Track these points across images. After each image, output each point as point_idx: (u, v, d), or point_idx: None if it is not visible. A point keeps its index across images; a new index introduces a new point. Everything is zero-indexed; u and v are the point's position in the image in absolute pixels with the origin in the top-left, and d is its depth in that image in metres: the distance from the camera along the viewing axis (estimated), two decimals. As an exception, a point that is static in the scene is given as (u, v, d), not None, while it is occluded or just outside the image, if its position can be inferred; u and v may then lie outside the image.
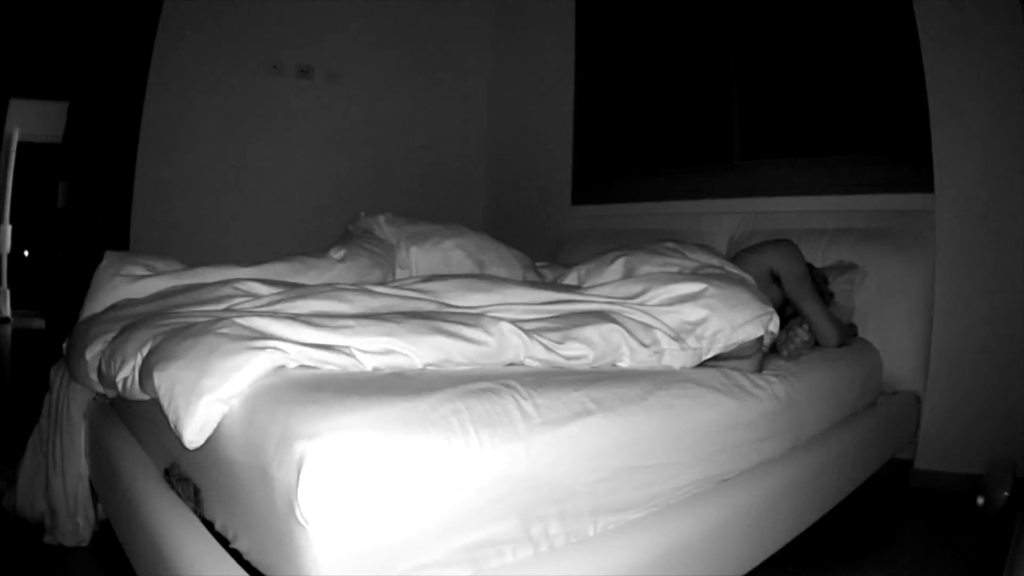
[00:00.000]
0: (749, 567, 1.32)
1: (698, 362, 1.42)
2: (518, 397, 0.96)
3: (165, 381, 0.93)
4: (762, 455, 1.40)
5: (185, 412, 0.87)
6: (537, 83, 3.78)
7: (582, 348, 1.23)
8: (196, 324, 1.04)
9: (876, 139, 2.59)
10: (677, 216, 2.96)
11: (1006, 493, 1.87)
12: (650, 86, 3.40)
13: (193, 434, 0.88)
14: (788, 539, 1.46)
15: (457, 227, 2.44)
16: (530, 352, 1.17)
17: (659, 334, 1.36)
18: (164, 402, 0.92)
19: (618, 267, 1.72)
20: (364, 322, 1.07)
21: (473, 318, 1.19)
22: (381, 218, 2.40)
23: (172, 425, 0.90)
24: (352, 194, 3.39)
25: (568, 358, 1.21)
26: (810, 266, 2.04)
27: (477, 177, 4.01)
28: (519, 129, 3.87)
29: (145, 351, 1.07)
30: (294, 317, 1.07)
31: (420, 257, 2.23)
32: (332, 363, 0.96)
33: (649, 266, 1.69)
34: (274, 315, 1.08)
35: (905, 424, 2.17)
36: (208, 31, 3.03)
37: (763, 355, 1.56)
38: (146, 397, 1.05)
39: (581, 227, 3.39)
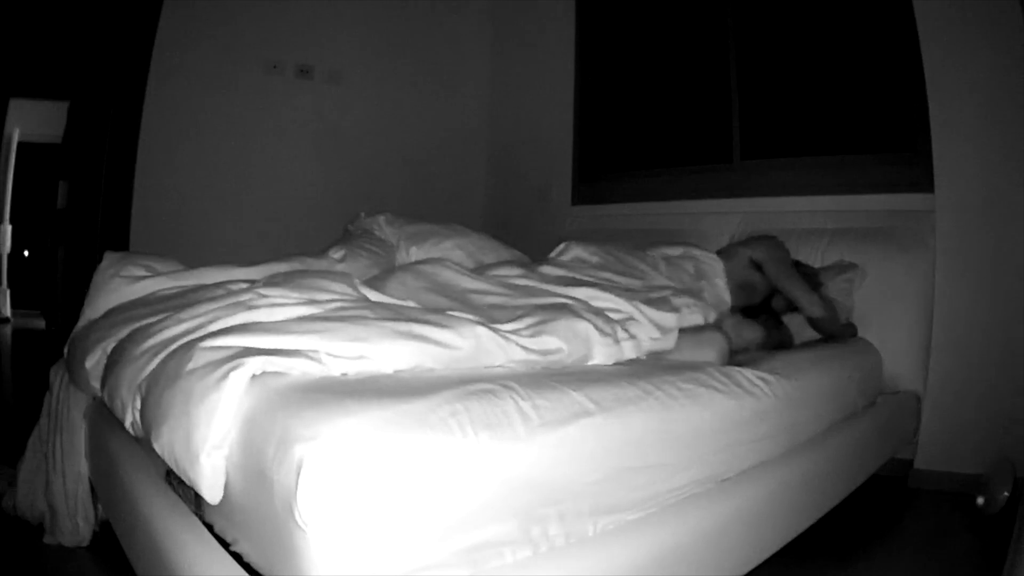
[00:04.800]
0: (748, 567, 1.32)
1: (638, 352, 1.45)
2: (517, 399, 0.96)
3: (164, 450, 0.94)
4: (761, 455, 1.40)
5: (194, 475, 0.88)
6: (537, 83, 3.77)
7: (556, 342, 1.23)
8: (169, 360, 1.03)
9: (876, 139, 2.59)
10: (677, 216, 2.96)
11: (1006, 493, 1.87)
12: (650, 86, 3.40)
13: (209, 491, 0.88)
14: (787, 539, 1.46)
15: (457, 227, 2.45)
16: (508, 355, 1.16)
17: (617, 327, 1.40)
18: (174, 468, 0.94)
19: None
20: (333, 325, 1.06)
21: (447, 319, 1.18)
22: (381, 218, 2.41)
23: (191, 487, 0.92)
24: (352, 194, 3.39)
25: (544, 352, 1.21)
26: (797, 263, 2.07)
27: (477, 177, 4.01)
28: (519, 129, 3.87)
29: (138, 404, 1.07)
30: (261, 326, 1.06)
31: (420, 257, 2.23)
32: (298, 368, 0.94)
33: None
34: (243, 326, 1.07)
35: (905, 424, 2.17)
36: (208, 31, 3.03)
37: (729, 346, 1.60)
38: None
39: (581, 227, 3.39)
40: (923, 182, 2.28)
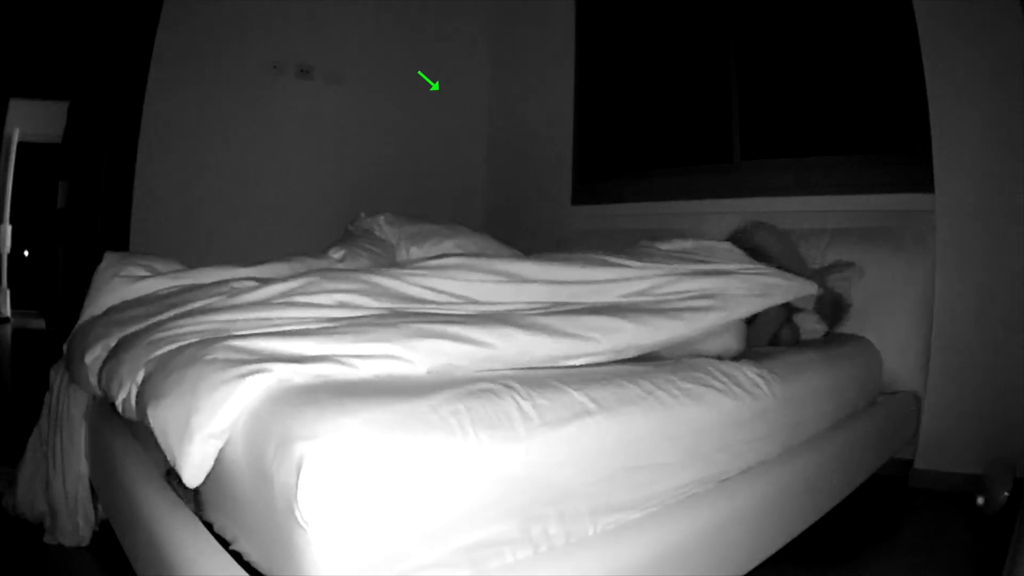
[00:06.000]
0: (749, 567, 1.32)
1: None
2: (518, 398, 0.96)
3: (158, 421, 0.92)
4: (760, 455, 1.40)
5: (180, 453, 0.87)
6: (537, 83, 3.77)
7: (598, 337, 1.24)
8: (186, 348, 1.03)
9: (876, 139, 2.59)
10: (677, 216, 2.96)
11: (1006, 493, 1.87)
12: (650, 86, 3.40)
13: (191, 475, 0.87)
14: (788, 539, 1.46)
15: (457, 227, 2.45)
16: (548, 352, 1.16)
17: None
18: (160, 443, 0.92)
19: None
20: (361, 328, 1.06)
21: (482, 319, 1.18)
22: (381, 218, 2.40)
23: (172, 464, 0.90)
24: (352, 194, 3.39)
25: (584, 349, 1.22)
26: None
27: (477, 177, 4.01)
28: (519, 129, 3.87)
29: (139, 378, 1.06)
30: (289, 333, 1.05)
31: (420, 257, 2.23)
32: (326, 375, 0.94)
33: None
34: (269, 332, 1.06)
35: (905, 424, 2.17)
36: (208, 31, 3.03)
37: (744, 332, 1.61)
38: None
39: (581, 227, 3.39)
40: (923, 182, 2.28)
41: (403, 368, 1.00)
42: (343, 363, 0.95)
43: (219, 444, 0.87)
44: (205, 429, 0.85)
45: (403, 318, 1.18)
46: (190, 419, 0.87)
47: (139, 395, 1.04)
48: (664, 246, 1.95)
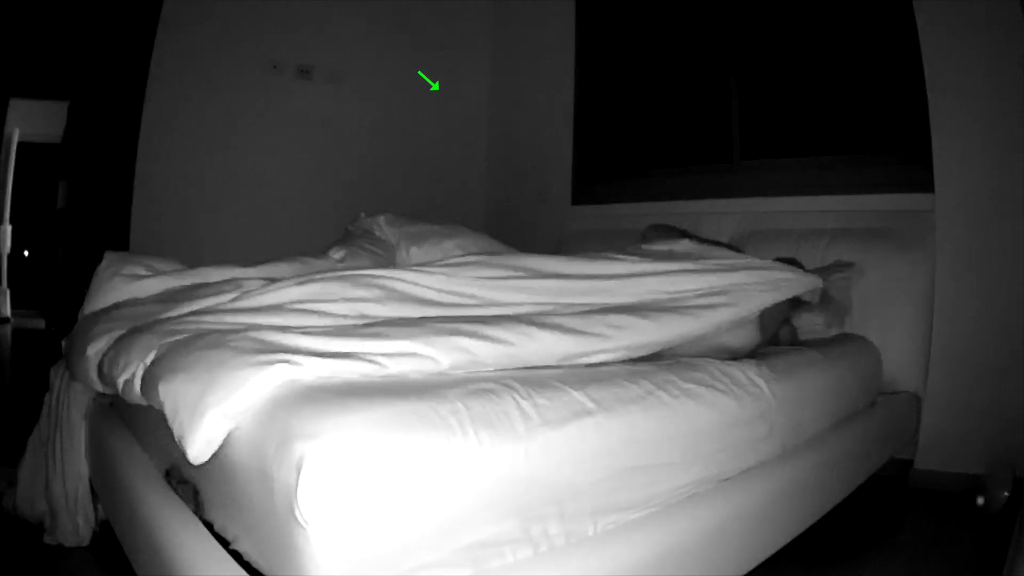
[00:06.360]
0: (749, 567, 1.32)
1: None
2: (518, 398, 0.96)
3: (170, 395, 0.91)
4: (761, 455, 1.40)
5: (189, 428, 0.86)
6: (537, 83, 3.78)
7: (614, 335, 1.25)
8: (207, 334, 1.02)
9: (876, 139, 2.59)
10: (677, 216, 2.95)
11: (1006, 493, 1.87)
12: (650, 86, 3.40)
13: (198, 451, 0.86)
14: (788, 539, 1.46)
15: (457, 227, 2.45)
16: (567, 350, 1.17)
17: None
18: (169, 416, 0.91)
19: None
20: (384, 329, 1.06)
21: (503, 319, 1.18)
22: (381, 219, 2.40)
23: (177, 440, 0.89)
24: (352, 194, 3.39)
25: (601, 346, 1.22)
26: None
27: (477, 177, 4.01)
28: (519, 129, 3.87)
29: (150, 359, 1.05)
30: (313, 333, 1.04)
31: (420, 257, 2.23)
32: (351, 372, 0.93)
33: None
34: (286, 329, 1.06)
35: (905, 424, 2.17)
36: (208, 31, 3.03)
37: (758, 325, 1.61)
38: (144, 402, 1.05)
39: (581, 227, 3.39)
40: (923, 182, 2.28)
41: (428, 366, 1.01)
42: (370, 360, 0.95)
43: (230, 425, 0.86)
44: (220, 407, 0.84)
45: (426, 319, 1.19)
46: (205, 395, 0.86)
47: (148, 374, 1.03)
48: (665, 247, 1.94)
